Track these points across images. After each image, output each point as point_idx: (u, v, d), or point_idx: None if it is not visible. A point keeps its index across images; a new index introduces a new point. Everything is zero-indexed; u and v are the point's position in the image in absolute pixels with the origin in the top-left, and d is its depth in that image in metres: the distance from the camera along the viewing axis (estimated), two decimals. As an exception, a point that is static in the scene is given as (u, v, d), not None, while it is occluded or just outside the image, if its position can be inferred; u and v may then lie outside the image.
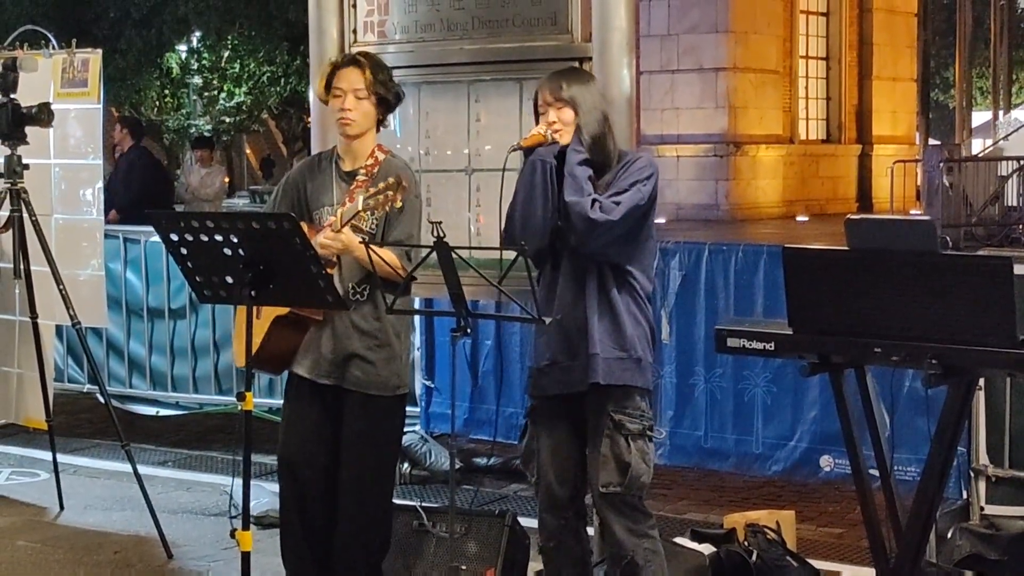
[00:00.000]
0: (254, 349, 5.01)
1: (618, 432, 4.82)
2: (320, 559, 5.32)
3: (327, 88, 5.20)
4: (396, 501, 5.82)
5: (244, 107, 29.89)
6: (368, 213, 4.97)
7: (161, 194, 13.09)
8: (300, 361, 5.21)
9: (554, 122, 4.83)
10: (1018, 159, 20.12)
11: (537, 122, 4.91)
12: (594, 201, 4.70)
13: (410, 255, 4.97)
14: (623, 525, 4.85)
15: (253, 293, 4.70)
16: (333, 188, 5.22)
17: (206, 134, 25.47)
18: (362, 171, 5.17)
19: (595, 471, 4.87)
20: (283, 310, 5.04)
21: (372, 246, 4.80)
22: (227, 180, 21.51)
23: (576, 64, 5.59)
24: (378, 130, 5.28)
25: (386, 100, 5.20)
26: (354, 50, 6.25)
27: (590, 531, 5.27)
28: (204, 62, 29.15)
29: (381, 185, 4.90)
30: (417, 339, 8.48)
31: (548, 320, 4.65)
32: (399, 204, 4.89)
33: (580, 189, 4.72)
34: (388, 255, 4.96)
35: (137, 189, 12.43)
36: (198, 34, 28.40)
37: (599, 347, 4.80)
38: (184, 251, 4.77)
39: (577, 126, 4.83)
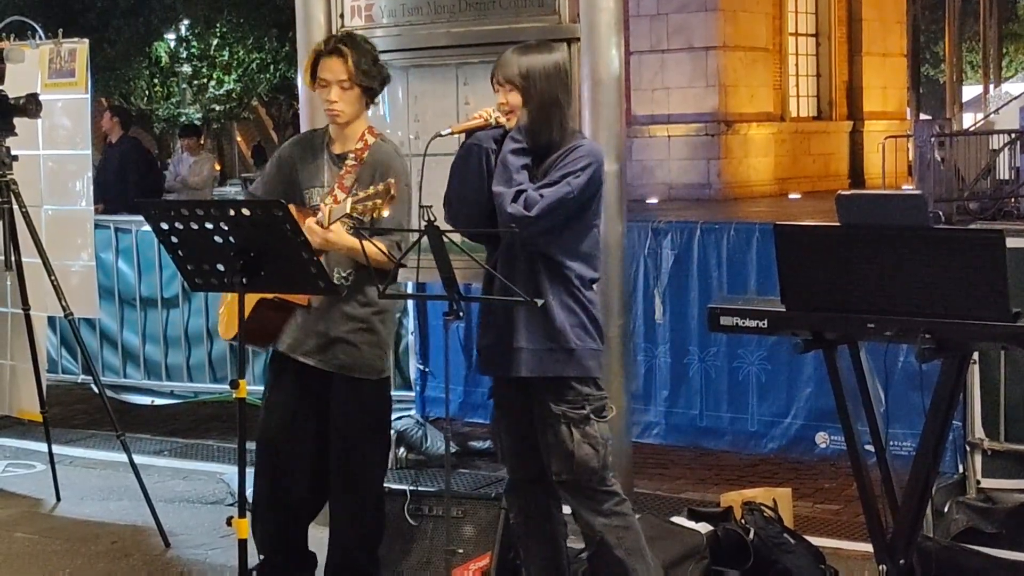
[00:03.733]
0: (238, 326, 5.06)
1: (559, 422, 4.73)
2: (292, 539, 5.34)
3: (312, 77, 5.18)
4: (392, 486, 5.83)
5: (234, 95, 29.84)
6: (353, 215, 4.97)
7: (154, 184, 13.09)
8: (284, 340, 5.25)
9: (503, 103, 4.71)
10: (1009, 132, 20.16)
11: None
12: (519, 193, 4.57)
13: (400, 245, 4.97)
14: (586, 508, 4.80)
15: (244, 280, 4.69)
16: (324, 170, 5.24)
17: (196, 123, 25.44)
18: (351, 155, 5.17)
19: (547, 460, 4.82)
20: (269, 295, 5.04)
21: (361, 237, 4.78)
22: (218, 168, 21.48)
23: (564, 44, 5.56)
24: (368, 108, 5.28)
25: (371, 88, 5.21)
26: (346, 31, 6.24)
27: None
28: (193, 50, 29.10)
29: (371, 190, 4.87)
30: (411, 324, 8.48)
31: (541, 302, 4.59)
32: (385, 212, 4.86)
33: (509, 179, 4.60)
34: (372, 247, 4.96)
35: (132, 180, 12.41)
36: (186, 22, 28.35)
37: (524, 340, 4.70)
38: (175, 240, 4.76)
39: (523, 110, 4.68)
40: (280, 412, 5.32)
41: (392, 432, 7.81)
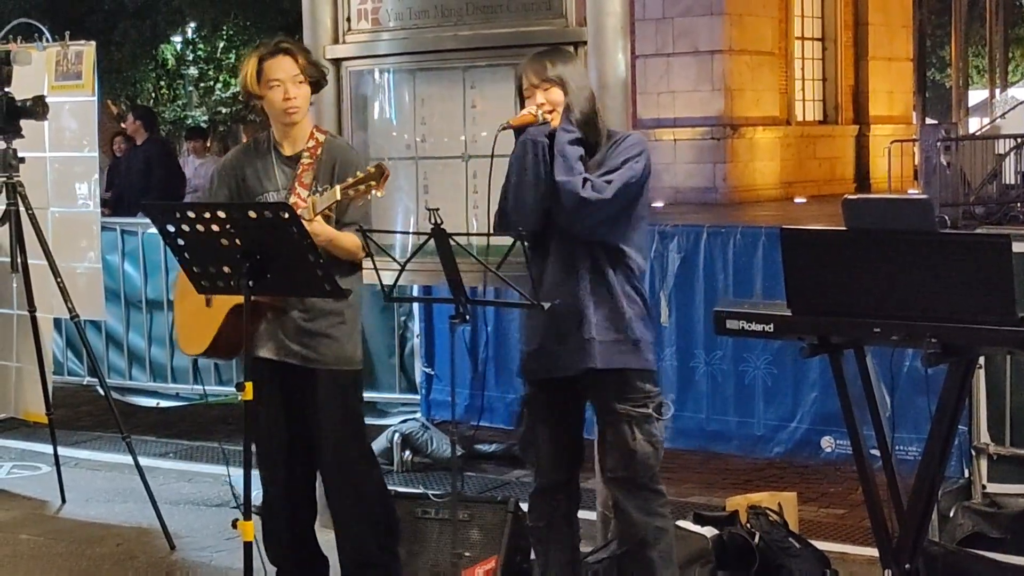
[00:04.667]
0: (209, 340, 5.14)
1: (621, 420, 4.76)
2: (302, 544, 5.35)
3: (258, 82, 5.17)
4: (398, 489, 5.83)
5: (240, 97, 29.85)
6: (348, 201, 4.98)
7: (176, 187, 13.07)
8: (263, 344, 5.21)
9: (543, 103, 4.75)
10: (1015, 137, 20.13)
11: (523, 107, 4.82)
12: (585, 180, 4.63)
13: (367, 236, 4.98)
14: (634, 505, 4.81)
15: (251, 283, 4.69)
16: (276, 173, 5.23)
17: (201, 125, 25.44)
18: (305, 153, 5.20)
19: (602, 456, 4.85)
20: (239, 299, 4.98)
21: (363, 234, 4.80)
22: (224, 171, 21.50)
23: (571, 48, 5.59)
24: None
25: (318, 81, 5.28)
26: (348, 38, 6.26)
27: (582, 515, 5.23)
28: (199, 53, 29.09)
29: (360, 175, 4.89)
30: (417, 326, 8.48)
31: (547, 305, 4.60)
32: (381, 193, 4.90)
33: (571, 169, 4.66)
34: (349, 238, 5.02)
35: (156, 182, 12.40)
36: (193, 25, 28.35)
37: (595, 331, 4.73)
38: (181, 242, 4.77)
39: (567, 105, 4.75)
40: (269, 417, 5.30)
41: (397, 435, 7.86)
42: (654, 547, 4.82)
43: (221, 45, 28.58)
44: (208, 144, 16.53)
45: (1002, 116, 23.20)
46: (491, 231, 4.90)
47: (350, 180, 4.90)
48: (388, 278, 4.83)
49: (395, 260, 4.90)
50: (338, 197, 4.90)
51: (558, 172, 4.66)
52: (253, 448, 5.02)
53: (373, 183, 4.85)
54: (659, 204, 24.39)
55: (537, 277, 4.79)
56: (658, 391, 4.86)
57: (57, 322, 8.23)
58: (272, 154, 5.27)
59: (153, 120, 13.66)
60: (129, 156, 13.32)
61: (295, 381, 5.24)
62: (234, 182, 5.31)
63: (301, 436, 5.30)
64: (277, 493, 5.35)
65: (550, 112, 4.75)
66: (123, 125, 13.01)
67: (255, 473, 5.35)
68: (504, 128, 4.80)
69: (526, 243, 4.67)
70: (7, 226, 7.08)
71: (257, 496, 6.55)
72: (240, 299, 4.94)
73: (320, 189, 5.02)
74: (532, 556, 5.60)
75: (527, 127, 4.75)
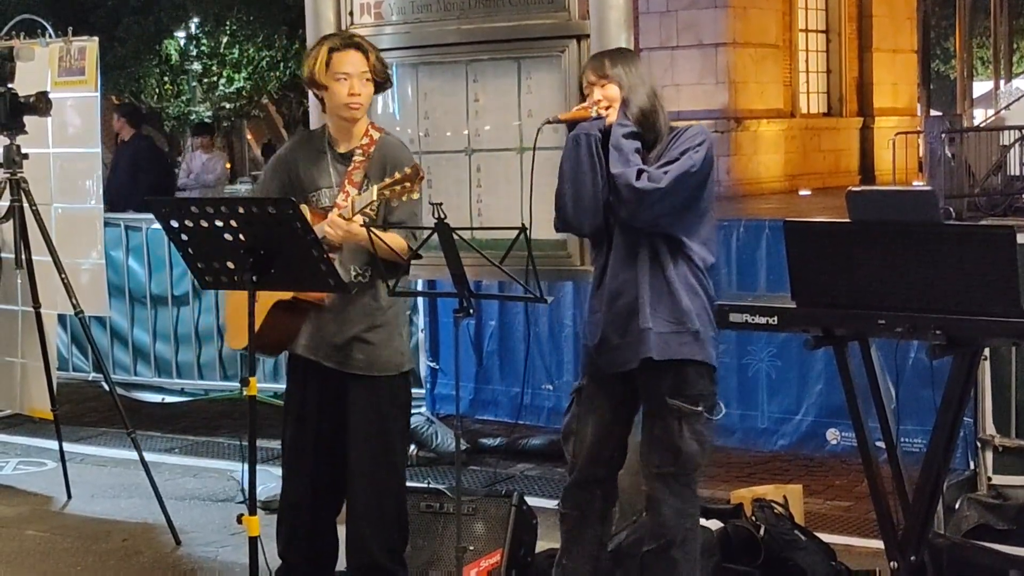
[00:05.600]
0: (248, 323, 5.06)
1: (671, 415, 4.71)
2: (318, 540, 5.33)
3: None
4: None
5: (244, 92, 29.81)
6: (383, 201, 4.92)
7: (165, 183, 13.05)
8: (302, 343, 5.20)
9: (600, 100, 4.74)
10: (1020, 128, 20.10)
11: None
12: (640, 172, 4.58)
13: (416, 236, 4.95)
14: (671, 504, 4.76)
15: (255, 278, 4.68)
16: (330, 170, 5.17)
17: (206, 120, 25.43)
18: (358, 151, 5.14)
19: (647, 451, 4.80)
20: (285, 295, 5.01)
21: (377, 231, 4.78)
22: (228, 166, 21.46)
23: (574, 41, 5.59)
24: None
25: (383, 84, 5.22)
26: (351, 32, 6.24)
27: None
28: (203, 48, 29.07)
29: (397, 175, 4.83)
30: (421, 321, 8.48)
31: (551, 299, 4.57)
32: (416, 195, 4.85)
33: (626, 161, 4.60)
34: (394, 238, 4.93)
35: (144, 179, 12.39)
36: (196, 20, 28.33)
37: (651, 321, 4.67)
38: (184, 237, 4.75)
39: (623, 100, 4.72)
40: (300, 415, 5.29)
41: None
42: (680, 547, 4.78)
43: (224, 40, 28.57)
44: (214, 139, 16.49)
45: (1006, 107, 23.17)
46: (556, 230, 4.91)
47: (387, 180, 4.85)
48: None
49: (401, 255, 4.89)
50: (374, 197, 4.84)
51: (613, 165, 4.62)
52: (264, 445, 4.99)
53: (408, 184, 4.81)
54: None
55: (599, 271, 4.79)
56: (714, 390, 4.80)
57: (62, 318, 8.23)
58: (327, 151, 5.20)
59: (138, 116, 13.60)
60: (116, 153, 13.29)
61: (330, 381, 5.19)
62: (287, 176, 5.25)
63: (331, 435, 5.23)
64: (302, 490, 5.30)
65: (607, 108, 4.73)
66: (112, 124, 12.97)
67: (268, 468, 5.36)
68: (550, 122, 4.80)
69: (588, 239, 4.63)
70: (11, 222, 7.08)
71: (266, 490, 6.60)
72: (285, 295, 4.97)
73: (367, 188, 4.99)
74: (536, 550, 5.61)
75: (578, 122, 4.74)
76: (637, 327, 4.70)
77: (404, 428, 5.43)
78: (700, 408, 4.74)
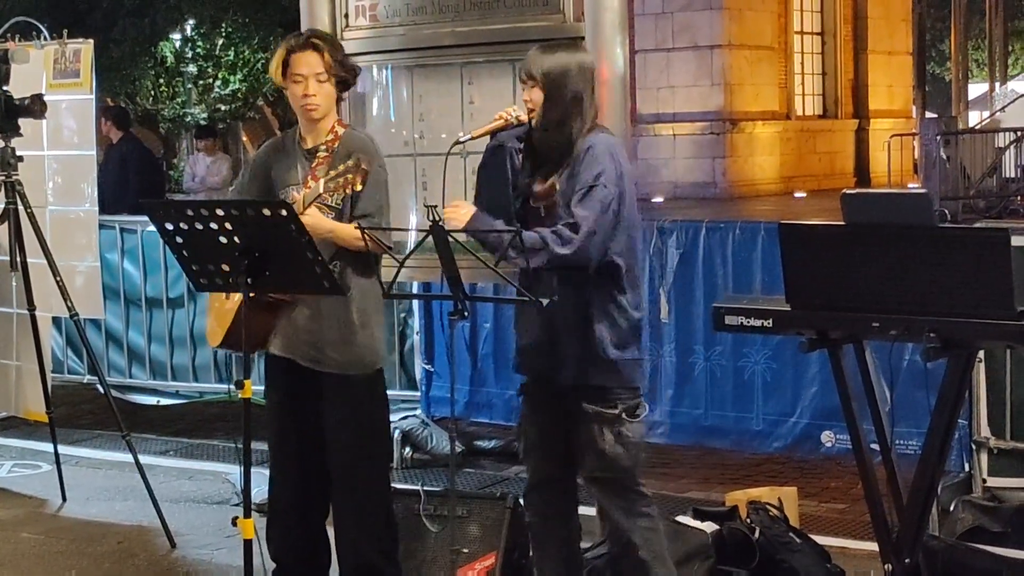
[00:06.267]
0: (225, 330, 5.11)
1: (591, 421, 4.73)
2: (308, 541, 5.33)
3: (283, 73, 5.15)
4: (398, 485, 5.82)
5: (239, 94, 29.83)
6: (329, 195, 4.95)
7: (155, 185, 13.02)
8: (275, 341, 5.22)
9: (527, 101, 4.72)
10: (1015, 130, 20.12)
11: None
12: (555, 234, 4.52)
13: (383, 226, 4.97)
14: (616, 507, 4.80)
15: (249, 280, 4.68)
16: (297, 167, 5.21)
17: (202, 123, 25.42)
18: (323, 147, 5.16)
19: (579, 456, 4.82)
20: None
21: (338, 223, 4.83)
22: (229, 167, 21.47)
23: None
24: (338, 105, 5.27)
25: (345, 80, 5.21)
26: (346, 35, 6.25)
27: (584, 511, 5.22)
28: (198, 50, 29.07)
29: (341, 168, 4.88)
30: (416, 323, 8.48)
31: (546, 302, 4.57)
32: (359, 187, 4.86)
33: (543, 247, 4.52)
34: (347, 230, 4.96)
35: (133, 181, 12.37)
36: (192, 22, 28.33)
37: (566, 346, 4.70)
38: (179, 240, 4.76)
39: (543, 106, 4.66)
40: (280, 415, 5.30)
41: (397, 432, 7.85)
42: (645, 548, 4.80)
43: (220, 42, 28.57)
44: (216, 142, 16.44)
45: (1002, 109, 23.18)
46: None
47: (332, 173, 4.89)
48: (387, 274, 4.82)
49: (393, 257, 4.90)
50: (320, 191, 4.89)
51: (533, 262, 4.52)
52: (259, 447, 5.01)
53: (351, 176, 4.82)
54: (658, 199, 24.39)
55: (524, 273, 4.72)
56: (634, 395, 4.80)
57: (57, 320, 8.22)
58: (297, 148, 5.24)
59: (125, 118, 13.55)
60: (105, 155, 13.26)
61: (306, 380, 5.21)
62: (263, 175, 5.30)
63: (312, 434, 5.25)
64: (288, 490, 5.32)
65: (531, 111, 4.71)
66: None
67: (263, 471, 5.36)
68: (460, 142, 4.77)
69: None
70: (6, 225, 7.07)
71: (261, 493, 6.59)
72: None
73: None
74: (531, 552, 5.61)
75: (499, 132, 4.74)
76: (553, 348, 4.71)
77: (383, 426, 5.45)
78: (619, 411, 4.75)
